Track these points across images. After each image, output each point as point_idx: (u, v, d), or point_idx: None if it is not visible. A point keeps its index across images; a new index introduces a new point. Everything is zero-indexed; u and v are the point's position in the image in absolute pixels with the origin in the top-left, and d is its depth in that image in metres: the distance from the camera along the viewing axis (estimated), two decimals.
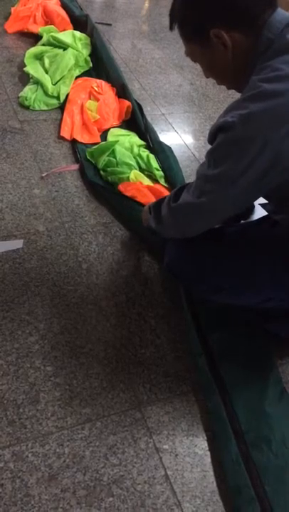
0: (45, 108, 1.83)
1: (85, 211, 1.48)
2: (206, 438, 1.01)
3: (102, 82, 1.90)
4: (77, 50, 2.00)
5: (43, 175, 1.56)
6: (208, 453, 0.99)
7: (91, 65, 2.04)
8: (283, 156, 0.83)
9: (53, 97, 1.85)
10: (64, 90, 1.85)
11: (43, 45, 2.04)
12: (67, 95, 1.85)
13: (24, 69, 1.91)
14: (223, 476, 0.95)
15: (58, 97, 1.85)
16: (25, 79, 1.94)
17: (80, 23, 2.27)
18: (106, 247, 1.38)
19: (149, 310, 1.24)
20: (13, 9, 2.31)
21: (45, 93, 1.84)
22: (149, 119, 1.90)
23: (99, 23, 2.40)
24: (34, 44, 2.12)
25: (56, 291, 1.24)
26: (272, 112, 0.81)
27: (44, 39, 2.06)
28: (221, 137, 0.89)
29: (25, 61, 1.95)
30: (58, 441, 0.96)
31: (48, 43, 2.03)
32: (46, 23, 2.26)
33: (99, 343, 1.14)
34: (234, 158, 0.86)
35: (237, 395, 1.06)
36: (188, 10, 0.93)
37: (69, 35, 2.06)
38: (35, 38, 2.19)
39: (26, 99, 1.81)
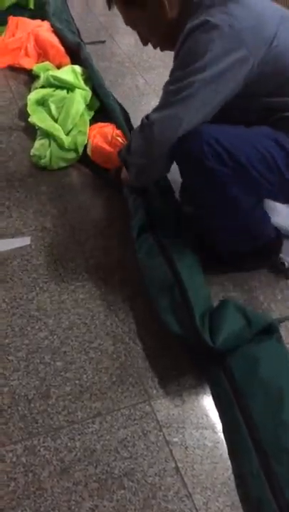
0: (64, 164, 1.60)
1: (90, 207, 1.48)
2: (215, 430, 1.02)
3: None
4: (83, 89, 1.75)
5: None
6: (218, 445, 0.99)
7: (98, 103, 1.79)
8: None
9: (70, 150, 1.59)
10: (81, 140, 1.60)
11: (43, 86, 1.77)
12: (85, 145, 1.62)
13: (29, 120, 1.66)
14: (243, 487, 0.93)
15: (75, 150, 1.60)
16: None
17: (75, 50, 2.00)
18: (112, 242, 1.38)
19: None
20: (0, 40, 2.05)
21: (61, 147, 1.58)
22: None
23: (91, 43, 2.26)
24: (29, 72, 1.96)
25: (64, 287, 1.25)
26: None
27: (42, 79, 1.78)
28: (191, 36, 1.00)
29: (29, 110, 1.69)
30: (69, 436, 0.97)
31: (49, 84, 1.76)
32: (39, 56, 2.01)
33: (108, 338, 1.15)
34: (206, 45, 0.97)
35: (255, 406, 1.01)
36: None
37: (69, 72, 1.78)
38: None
39: (41, 158, 1.56)
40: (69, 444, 0.96)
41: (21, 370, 1.06)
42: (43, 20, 2.20)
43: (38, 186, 1.52)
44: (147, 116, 1.10)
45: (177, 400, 1.05)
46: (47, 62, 1.92)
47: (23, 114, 1.77)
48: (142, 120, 1.12)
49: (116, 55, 2.28)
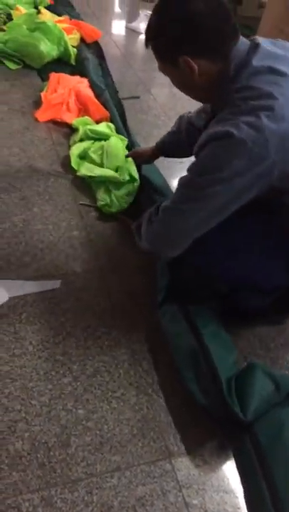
0: (132, 199, 1.66)
1: (120, 254, 1.51)
2: (236, 495, 0.98)
3: None
4: (118, 137, 1.88)
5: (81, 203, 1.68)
6: (239, 511, 0.96)
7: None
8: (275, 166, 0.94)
9: (126, 182, 1.68)
10: (132, 167, 1.72)
11: (81, 139, 1.89)
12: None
13: (78, 174, 1.75)
14: None
15: (132, 179, 1.69)
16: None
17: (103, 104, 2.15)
18: (140, 290, 1.40)
19: None
20: (43, 95, 2.14)
21: (118, 185, 1.67)
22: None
23: (127, 98, 2.37)
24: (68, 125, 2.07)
25: (90, 333, 1.26)
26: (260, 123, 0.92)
27: (81, 133, 1.90)
28: (214, 144, 0.97)
29: (74, 165, 1.78)
30: (86, 489, 0.95)
31: (87, 137, 1.89)
32: (80, 111, 2.11)
33: (131, 388, 1.14)
34: (224, 161, 0.95)
35: (279, 474, 0.97)
36: (159, 37, 1.04)
37: (104, 127, 1.93)
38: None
39: (110, 206, 1.63)
40: (86, 498, 0.94)
41: (43, 416, 1.06)
42: (82, 76, 2.34)
43: (71, 231, 1.57)
44: (158, 208, 1.14)
45: (198, 460, 1.02)
46: (86, 117, 2.03)
47: (61, 161, 1.86)
48: (153, 211, 1.16)
49: (152, 109, 2.38)
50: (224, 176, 0.95)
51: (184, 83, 1.09)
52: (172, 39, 1.01)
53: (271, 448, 1.01)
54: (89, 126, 1.91)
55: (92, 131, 1.88)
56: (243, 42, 1.01)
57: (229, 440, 1.06)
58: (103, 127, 1.91)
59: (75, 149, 1.83)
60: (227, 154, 0.94)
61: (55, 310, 1.30)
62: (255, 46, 1.00)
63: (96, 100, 2.13)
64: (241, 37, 1.01)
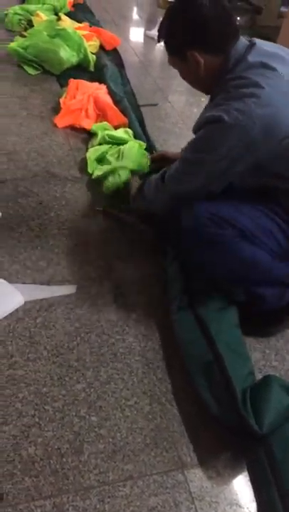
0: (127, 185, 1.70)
1: (136, 258, 1.51)
2: (250, 509, 0.97)
3: None
4: (138, 144, 1.89)
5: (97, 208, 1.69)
6: None
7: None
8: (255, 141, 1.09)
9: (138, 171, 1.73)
10: (145, 161, 1.75)
11: (100, 144, 1.92)
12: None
13: (93, 177, 1.78)
14: None
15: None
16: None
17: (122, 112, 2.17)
18: (155, 298, 1.40)
19: None
20: (62, 101, 2.16)
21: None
22: None
23: (145, 105, 2.37)
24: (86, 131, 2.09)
25: (105, 340, 1.26)
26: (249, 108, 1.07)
27: (99, 137, 1.92)
28: (207, 127, 1.13)
29: (89, 169, 1.81)
30: (98, 497, 0.94)
31: (105, 142, 1.91)
32: (98, 117, 2.13)
33: (144, 397, 1.14)
34: (217, 142, 1.11)
35: None
36: (170, 38, 1.23)
37: (122, 132, 1.96)
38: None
39: (112, 182, 1.71)
40: (98, 506, 0.93)
41: (56, 422, 1.06)
42: (100, 83, 2.35)
43: (86, 236, 1.57)
44: (163, 177, 1.34)
45: (212, 472, 1.01)
46: (105, 123, 2.04)
47: (78, 166, 1.87)
48: (159, 178, 1.36)
49: (170, 116, 2.38)
50: (214, 156, 1.13)
51: (191, 75, 1.25)
52: (182, 40, 1.18)
53: (285, 462, 1.00)
54: (107, 132, 1.92)
55: (110, 136, 1.89)
56: (242, 41, 1.18)
57: (244, 452, 1.05)
58: (121, 133, 1.93)
59: (93, 152, 1.85)
60: (218, 137, 1.11)
61: (70, 315, 1.31)
62: (251, 45, 1.16)
63: (114, 106, 2.15)
64: (241, 37, 1.18)
